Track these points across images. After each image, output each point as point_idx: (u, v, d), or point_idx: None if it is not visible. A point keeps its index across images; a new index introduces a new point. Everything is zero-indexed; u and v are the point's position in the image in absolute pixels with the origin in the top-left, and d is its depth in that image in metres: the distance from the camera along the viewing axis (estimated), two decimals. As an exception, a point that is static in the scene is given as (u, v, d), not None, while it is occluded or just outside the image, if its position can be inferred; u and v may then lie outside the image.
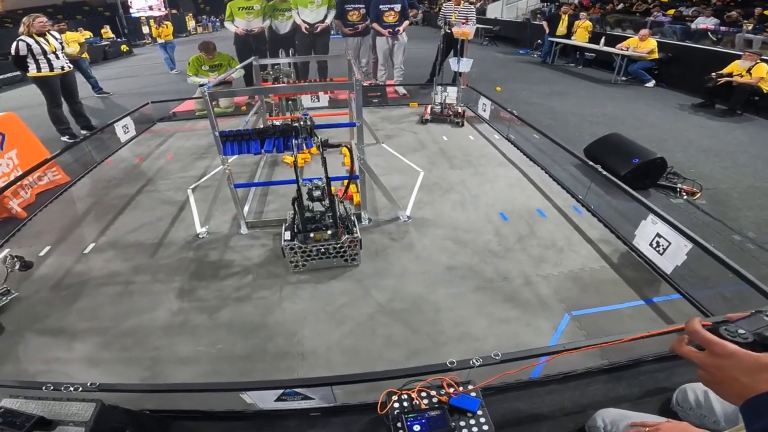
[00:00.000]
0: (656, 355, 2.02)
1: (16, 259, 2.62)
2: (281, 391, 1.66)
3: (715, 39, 7.94)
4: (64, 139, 5.29)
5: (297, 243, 2.61)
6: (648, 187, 3.74)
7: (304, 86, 4.36)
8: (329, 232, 2.62)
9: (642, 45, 7.65)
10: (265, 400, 1.73)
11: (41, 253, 3.01)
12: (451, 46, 6.94)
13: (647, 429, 1.32)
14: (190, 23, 24.35)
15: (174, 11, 21.76)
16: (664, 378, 1.94)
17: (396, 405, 1.41)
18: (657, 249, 2.57)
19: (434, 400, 1.42)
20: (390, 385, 1.47)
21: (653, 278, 2.59)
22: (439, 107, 5.63)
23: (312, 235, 2.62)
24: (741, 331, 0.64)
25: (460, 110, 5.56)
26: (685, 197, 3.58)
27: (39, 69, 4.89)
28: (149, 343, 2.23)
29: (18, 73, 10.98)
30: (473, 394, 1.44)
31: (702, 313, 2.28)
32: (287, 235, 2.66)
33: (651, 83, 7.71)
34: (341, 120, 4.57)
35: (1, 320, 2.42)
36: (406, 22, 6.49)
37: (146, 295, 2.58)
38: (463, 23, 6.53)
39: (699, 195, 3.59)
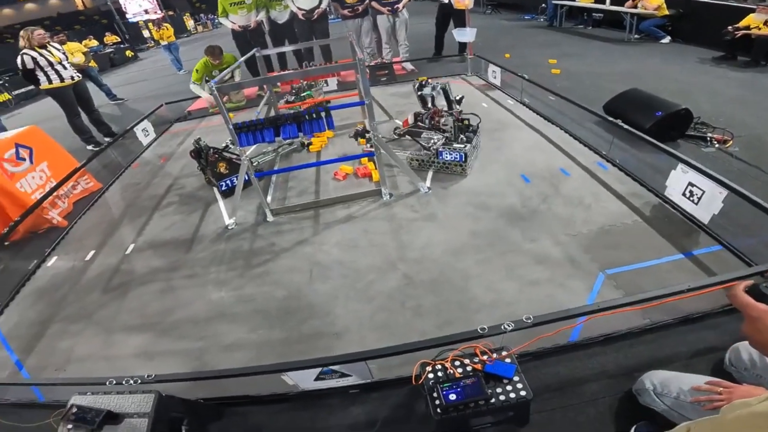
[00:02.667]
0: (702, 312, 1.93)
1: None
2: (319, 369, 1.69)
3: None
4: (90, 147, 5.40)
5: None
6: (676, 139, 3.61)
7: (308, 71, 4.35)
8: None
9: (649, 2, 7.32)
10: (306, 381, 1.77)
11: (87, 258, 3.15)
12: (449, 17, 6.82)
13: (720, 390, 1.22)
14: (189, 23, 24.32)
15: (170, 12, 21.75)
16: (712, 337, 1.83)
17: (430, 376, 1.41)
18: (691, 199, 2.49)
19: (468, 368, 1.41)
20: (423, 356, 1.47)
21: (690, 230, 2.51)
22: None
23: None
24: None
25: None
26: (716, 146, 3.45)
27: (50, 81, 4.94)
28: (195, 334, 2.31)
29: (33, 87, 11.27)
30: (508, 360, 1.42)
31: (745, 263, 2.19)
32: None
33: (666, 39, 7.38)
34: (351, 101, 4.55)
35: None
36: None
37: (187, 288, 2.67)
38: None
39: (731, 143, 3.45)
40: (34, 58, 4.78)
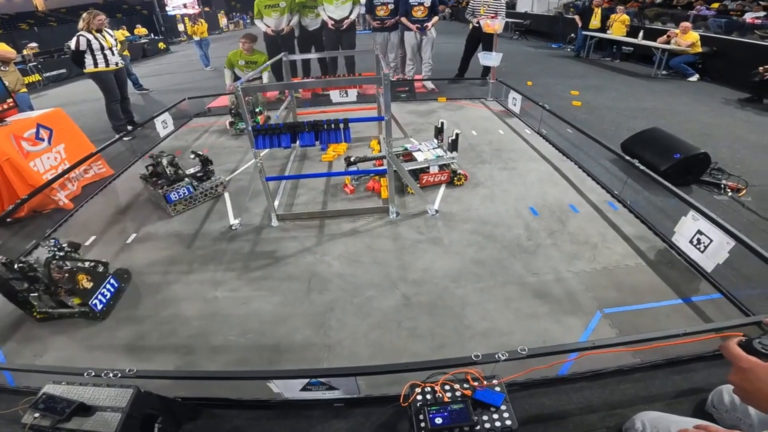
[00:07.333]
0: (692, 355, 1.96)
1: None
2: (307, 380, 1.68)
3: (763, 33, 7.47)
4: (117, 135, 5.45)
5: None
6: (690, 183, 3.57)
7: (332, 81, 4.41)
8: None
9: (683, 38, 7.31)
10: (291, 390, 1.76)
11: (87, 243, 3.17)
12: (479, 40, 6.89)
13: None
14: (222, 20, 24.99)
15: (207, 8, 22.35)
16: (699, 379, 1.88)
17: (419, 397, 1.41)
18: (698, 246, 2.45)
19: (457, 393, 1.41)
20: (414, 378, 1.47)
21: (693, 277, 2.49)
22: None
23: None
24: None
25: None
26: (729, 194, 3.41)
27: (96, 64, 5.02)
28: (184, 332, 2.30)
29: (63, 70, 11.63)
30: (498, 388, 1.42)
31: (743, 313, 2.19)
32: None
33: (694, 77, 7.35)
34: (370, 115, 4.59)
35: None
36: (436, 18, 6.44)
37: (182, 284, 2.67)
38: (492, 17, 6.46)
39: (744, 192, 3.41)
40: (88, 41, 4.88)
